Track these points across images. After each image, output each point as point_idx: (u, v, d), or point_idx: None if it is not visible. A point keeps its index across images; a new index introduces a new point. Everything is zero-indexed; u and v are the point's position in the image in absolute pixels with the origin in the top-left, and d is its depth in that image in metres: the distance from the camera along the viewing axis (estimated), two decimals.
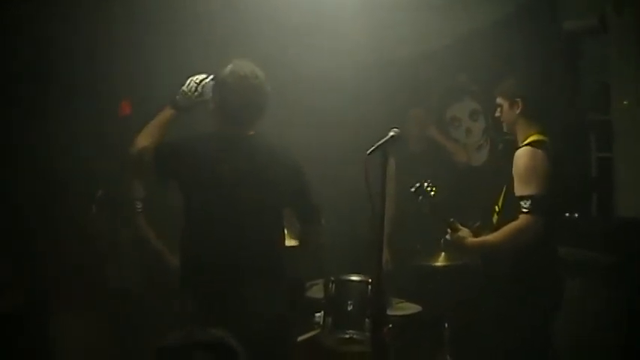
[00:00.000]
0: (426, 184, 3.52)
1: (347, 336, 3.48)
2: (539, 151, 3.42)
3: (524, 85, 3.67)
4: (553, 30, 4.63)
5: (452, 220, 3.57)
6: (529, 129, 3.56)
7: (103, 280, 4.22)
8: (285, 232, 3.34)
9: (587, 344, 4.00)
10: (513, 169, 3.46)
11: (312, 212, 3.33)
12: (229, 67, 3.11)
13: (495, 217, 3.62)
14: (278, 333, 3.16)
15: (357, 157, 2.88)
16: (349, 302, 3.51)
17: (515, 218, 3.38)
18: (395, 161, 4.59)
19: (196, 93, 3.18)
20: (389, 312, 3.71)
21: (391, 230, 4.54)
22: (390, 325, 3.45)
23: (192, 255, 3.14)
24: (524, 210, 3.34)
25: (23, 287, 4.09)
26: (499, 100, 3.65)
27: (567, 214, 4.37)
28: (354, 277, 3.61)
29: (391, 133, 2.88)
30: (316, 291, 3.87)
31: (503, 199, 3.58)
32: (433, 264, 4.08)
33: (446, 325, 4.08)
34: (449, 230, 3.58)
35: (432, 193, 3.53)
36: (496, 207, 3.63)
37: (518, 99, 3.57)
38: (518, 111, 3.57)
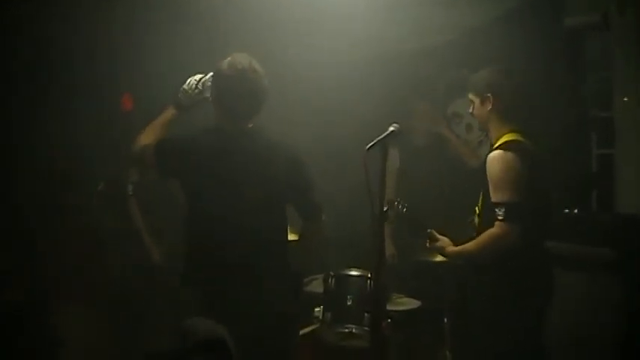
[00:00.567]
0: (396, 203, 3.48)
1: (346, 330, 3.49)
2: (511, 154, 3.26)
3: (496, 79, 3.43)
4: (555, 27, 4.62)
5: (429, 231, 3.51)
6: (502, 127, 3.41)
7: (103, 272, 4.24)
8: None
9: (587, 340, 4.00)
10: (487, 173, 3.32)
11: (314, 209, 3.32)
12: (227, 59, 3.12)
13: (477, 220, 3.53)
14: (282, 329, 3.18)
15: (358, 153, 2.89)
16: (349, 297, 3.52)
17: (493, 223, 3.27)
18: (399, 155, 4.60)
19: (197, 90, 3.20)
20: (388, 307, 3.73)
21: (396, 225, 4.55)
22: (390, 320, 3.49)
23: (194, 252, 3.15)
24: (499, 217, 3.22)
25: (23, 285, 4.11)
26: (471, 96, 3.49)
27: (567, 210, 4.37)
28: (354, 272, 3.61)
29: (391, 128, 2.87)
30: (316, 285, 3.88)
31: (481, 203, 3.46)
32: (433, 259, 4.08)
33: (445, 320, 4.09)
34: (428, 240, 3.53)
35: (404, 210, 3.50)
36: (476, 209, 3.54)
37: (489, 94, 3.40)
38: (489, 107, 3.41)
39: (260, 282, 3.07)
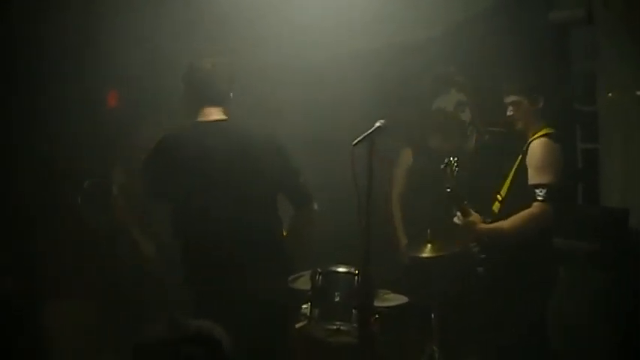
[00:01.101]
0: (452, 160, 3.57)
1: (334, 327, 3.48)
2: (555, 142, 3.56)
3: (543, 81, 3.81)
4: (540, 21, 4.64)
5: (465, 203, 3.60)
6: (539, 122, 3.66)
7: (96, 269, 4.22)
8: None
9: (575, 333, 4.02)
10: (528, 158, 3.57)
11: (305, 195, 3.35)
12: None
13: (497, 205, 3.70)
14: (279, 321, 3.25)
15: (345, 148, 2.89)
16: (336, 293, 3.51)
17: (518, 207, 3.50)
18: (412, 154, 4.62)
19: None
20: (376, 303, 3.72)
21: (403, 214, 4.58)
22: (377, 316, 3.48)
23: (187, 249, 3.20)
24: (540, 198, 3.44)
25: (16, 285, 4.08)
26: (514, 98, 3.68)
27: None
28: (341, 269, 3.60)
29: (377, 124, 2.89)
30: (303, 282, 3.86)
31: (508, 188, 3.67)
32: (420, 255, 4.09)
33: (433, 315, 4.10)
34: (458, 214, 3.61)
35: (455, 170, 3.57)
36: (498, 196, 3.71)
37: (539, 95, 3.66)
38: (539, 106, 3.65)
39: (255, 274, 3.10)
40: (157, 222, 3.50)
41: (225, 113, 3.25)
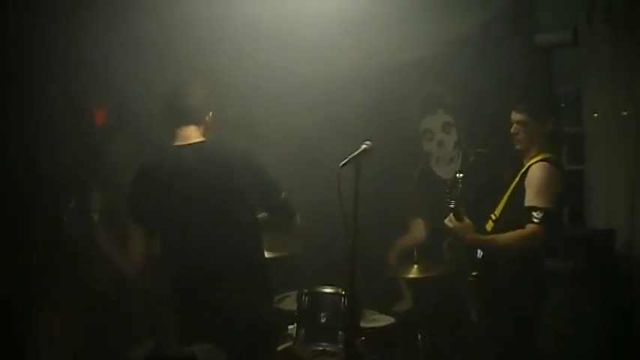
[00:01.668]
0: (458, 176, 3.60)
1: (320, 348, 3.46)
2: (554, 166, 3.61)
3: (548, 100, 3.91)
4: (527, 42, 4.67)
5: (462, 209, 3.59)
6: (542, 145, 3.68)
7: (81, 283, 4.18)
8: None
9: (562, 352, 4.02)
10: (528, 180, 3.59)
11: (286, 211, 3.38)
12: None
13: (490, 225, 3.74)
14: (263, 342, 3.24)
15: (332, 168, 2.89)
16: (322, 314, 3.50)
17: (510, 227, 3.55)
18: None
19: None
20: (362, 324, 3.71)
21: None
22: (363, 338, 3.47)
23: (172, 269, 3.21)
24: (536, 221, 3.47)
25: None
26: (521, 117, 3.68)
27: None
28: (327, 289, 3.59)
29: (363, 146, 2.90)
30: (289, 303, 3.85)
31: (503, 208, 3.70)
32: (406, 276, 4.09)
33: (419, 336, 4.08)
34: (451, 215, 3.57)
35: (460, 182, 3.58)
36: (492, 215, 3.74)
37: (549, 117, 3.70)
38: (546, 130, 3.67)
39: (239, 295, 3.11)
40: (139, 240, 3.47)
41: (204, 134, 3.26)
